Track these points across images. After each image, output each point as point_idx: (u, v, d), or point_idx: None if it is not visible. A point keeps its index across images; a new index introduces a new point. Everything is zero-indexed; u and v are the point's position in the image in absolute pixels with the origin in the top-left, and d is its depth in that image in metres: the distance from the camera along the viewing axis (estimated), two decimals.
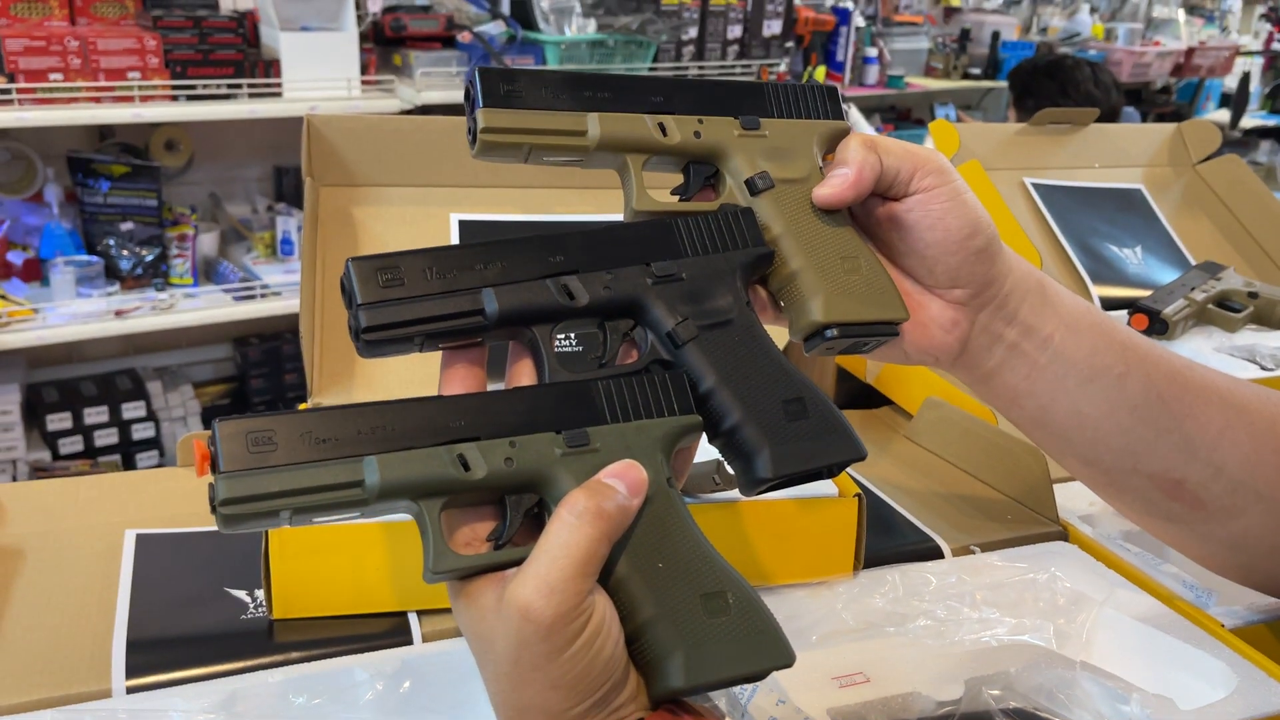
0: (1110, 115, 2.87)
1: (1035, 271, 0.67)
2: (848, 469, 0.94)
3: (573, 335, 0.57)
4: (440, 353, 0.56)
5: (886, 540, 0.87)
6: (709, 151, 0.62)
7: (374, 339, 0.52)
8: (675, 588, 0.49)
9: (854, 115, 3.33)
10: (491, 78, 0.57)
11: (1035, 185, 1.39)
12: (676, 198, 0.63)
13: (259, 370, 3.02)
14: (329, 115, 1.03)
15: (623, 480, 0.50)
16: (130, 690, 0.68)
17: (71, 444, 2.69)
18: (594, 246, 0.57)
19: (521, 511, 0.51)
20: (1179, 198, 1.48)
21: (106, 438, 2.73)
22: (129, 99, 2.44)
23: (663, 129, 0.61)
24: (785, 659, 0.49)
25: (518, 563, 0.49)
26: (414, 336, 0.53)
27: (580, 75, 0.60)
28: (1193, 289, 1.23)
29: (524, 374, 0.56)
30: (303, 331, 0.93)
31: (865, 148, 0.61)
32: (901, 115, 4.40)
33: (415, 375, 0.96)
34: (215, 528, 0.47)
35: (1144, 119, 4.64)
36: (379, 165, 1.04)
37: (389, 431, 0.49)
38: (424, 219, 1.05)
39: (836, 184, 0.61)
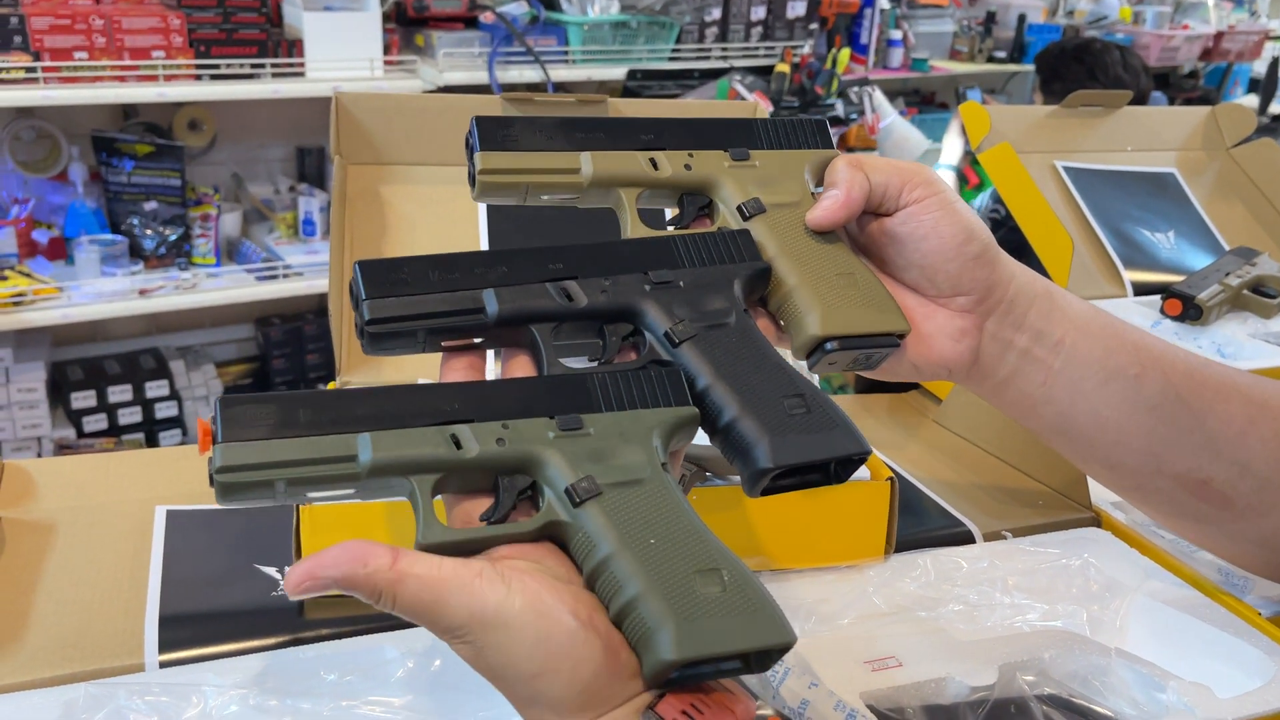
0: (1139, 100, 2.83)
1: (1041, 278, 0.67)
2: (880, 455, 0.94)
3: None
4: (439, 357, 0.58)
5: (916, 524, 0.86)
6: (700, 183, 0.64)
7: (377, 331, 0.54)
8: (667, 564, 0.49)
9: (878, 98, 3.30)
10: (488, 124, 0.61)
11: (1066, 169, 1.37)
12: (672, 229, 0.64)
13: (281, 350, 3.03)
14: (357, 93, 1.02)
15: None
16: (162, 665, 0.68)
17: (96, 422, 2.70)
18: (593, 256, 0.59)
19: (514, 493, 0.51)
20: (1212, 182, 1.46)
21: (130, 416, 2.75)
22: (153, 78, 2.44)
23: (654, 164, 0.63)
24: (783, 637, 0.48)
25: (505, 539, 0.50)
26: (417, 331, 0.54)
27: (573, 119, 0.63)
28: (1227, 274, 1.21)
29: (518, 370, 0.57)
30: (331, 311, 0.93)
31: (852, 167, 0.63)
32: (925, 99, 4.36)
33: (438, 358, 0.96)
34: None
35: (1170, 104, 4.59)
36: (407, 144, 1.04)
37: (385, 413, 0.50)
38: (451, 198, 1.04)
39: (828, 205, 0.62)
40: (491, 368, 0.63)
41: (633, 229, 0.62)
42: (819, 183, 0.65)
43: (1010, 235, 2.56)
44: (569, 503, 0.50)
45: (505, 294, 0.56)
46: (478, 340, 0.57)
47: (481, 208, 1.05)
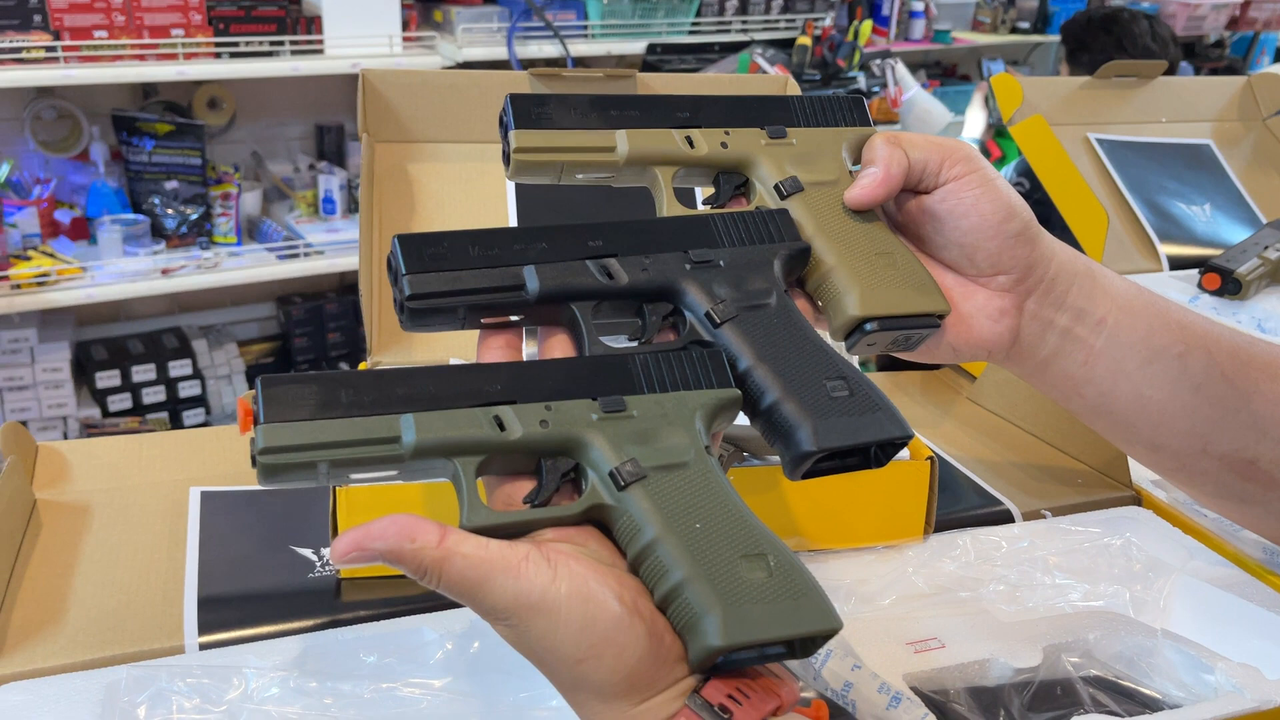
0: (1169, 70, 2.79)
1: (1082, 256, 0.65)
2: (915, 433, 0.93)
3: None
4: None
5: (954, 504, 0.86)
6: (737, 161, 0.63)
7: (418, 307, 0.53)
8: (713, 548, 0.48)
9: (900, 71, 3.26)
10: (523, 102, 0.60)
11: (1100, 141, 1.35)
12: (708, 208, 0.63)
13: (303, 329, 3.03)
14: (384, 70, 1.01)
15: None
16: (202, 647, 0.68)
17: (120, 401, 2.72)
18: (633, 234, 0.58)
19: (558, 475, 0.51)
20: (1249, 153, 1.43)
21: (154, 395, 2.76)
22: (173, 56, 2.43)
23: (690, 142, 0.62)
24: (829, 623, 0.48)
25: (550, 522, 0.50)
26: (457, 308, 0.54)
27: (608, 96, 0.62)
28: (1266, 247, 1.19)
29: (555, 351, 0.56)
30: (362, 290, 0.92)
31: (890, 145, 0.62)
32: (948, 71, 4.31)
33: (471, 336, 0.96)
34: None
35: (1196, 74, 4.52)
36: (434, 121, 1.03)
37: (427, 393, 0.50)
38: (479, 175, 1.03)
39: (867, 183, 0.61)
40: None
41: (668, 208, 0.61)
42: (856, 160, 0.64)
43: (1037, 207, 2.55)
44: (613, 486, 0.50)
45: (546, 271, 0.55)
46: (516, 318, 0.57)
47: (510, 185, 1.04)
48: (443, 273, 0.53)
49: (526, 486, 0.52)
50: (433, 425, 0.49)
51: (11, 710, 0.62)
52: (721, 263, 0.58)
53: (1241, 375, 0.64)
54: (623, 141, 0.61)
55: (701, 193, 0.65)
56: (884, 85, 3.22)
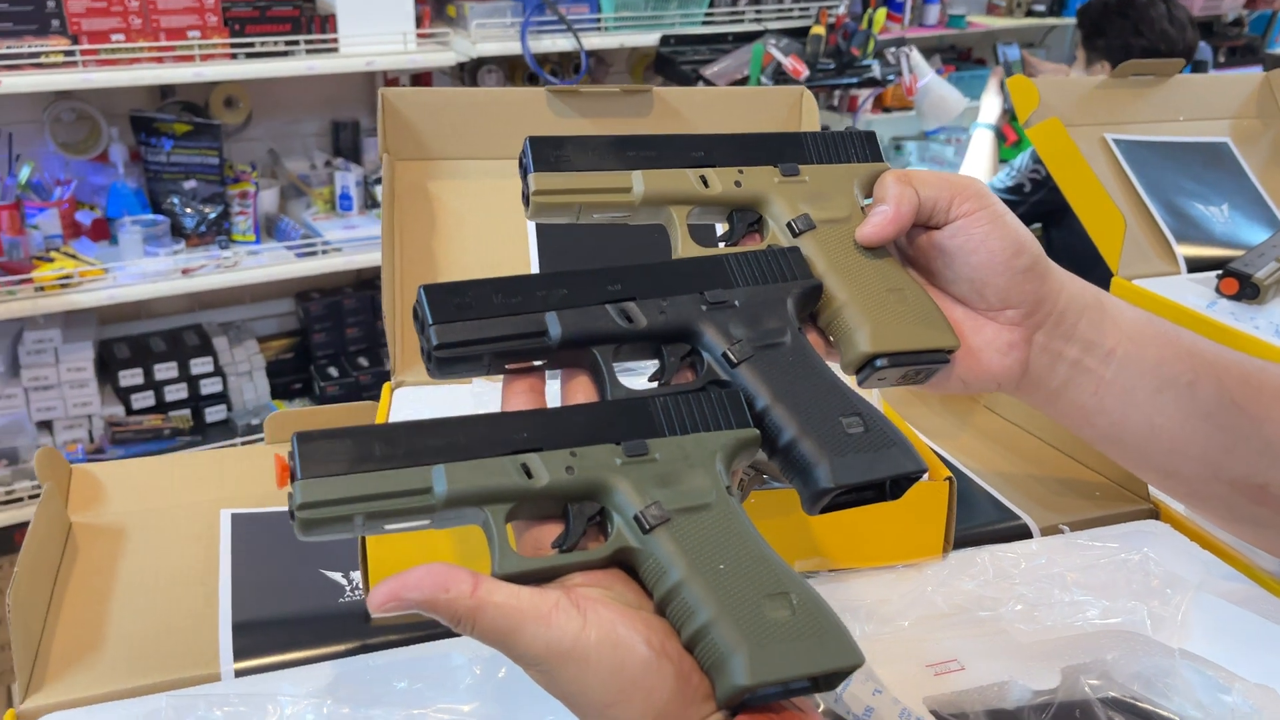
0: (1186, 54, 2.77)
1: (1091, 287, 0.66)
2: (931, 445, 0.94)
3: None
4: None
5: (972, 518, 0.86)
6: (750, 200, 0.64)
7: (445, 356, 0.55)
8: (737, 589, 0.50)
9: (915, 58, 3.24)
10: (541, 145, 0.61)
11: (1117, 141, 1.35)
12: (722, 245, 0.65)
13: (321, 325, 3.05)
14: (403, 90, 1.02)
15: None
16: (237, 674, 0.70)
17: (144, 399, 2.75)
18: (650, 277, 0.59)
19: (584, 519, 0.52)
20: (1268, 151, 1.43)
21: (176, 393, 2.79)
22: (189, 58, 2.44)
23: (704, 181, 0.63)
24: (852, 659, 0.49)
25: (578, 566, 0.51)
26: (482, 356, 0.55)
27: (624, 138, 0.63)
28: None
29: (578, 393, 0.58)
30: (385, 311, 0.93)
31: (901, 183, 0.63)
32: (962, 55, 4.28)
33: None
34: None
35: (1214, 54, 4.47)
36: (454, 139, 1.04)
37: (457, 444, 0.51)
38: (497, 192, 1.04)
39: (878, 221, 0.62)
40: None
41: (683, 246, 0.62)
42: (868, 195, 0.66)
43: (1051, 196, 2.54)
44: (639, 529, 0.51)
45: (567, 316, 0.57)
46: (539, 362, 0.58)
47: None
48: (468, 322, 0.55)
49: (554, 530, 0.53)
50: (463, 475, 0.51)
51: None
52: (736, 303, 0.59)
53: (1253, 401, 0.65)
54: (639, 182, 0.62)
55: (721, 228, 0.66)
56: (898, 73, 3.21)
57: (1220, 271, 1.17)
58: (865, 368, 0.61)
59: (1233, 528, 0.72)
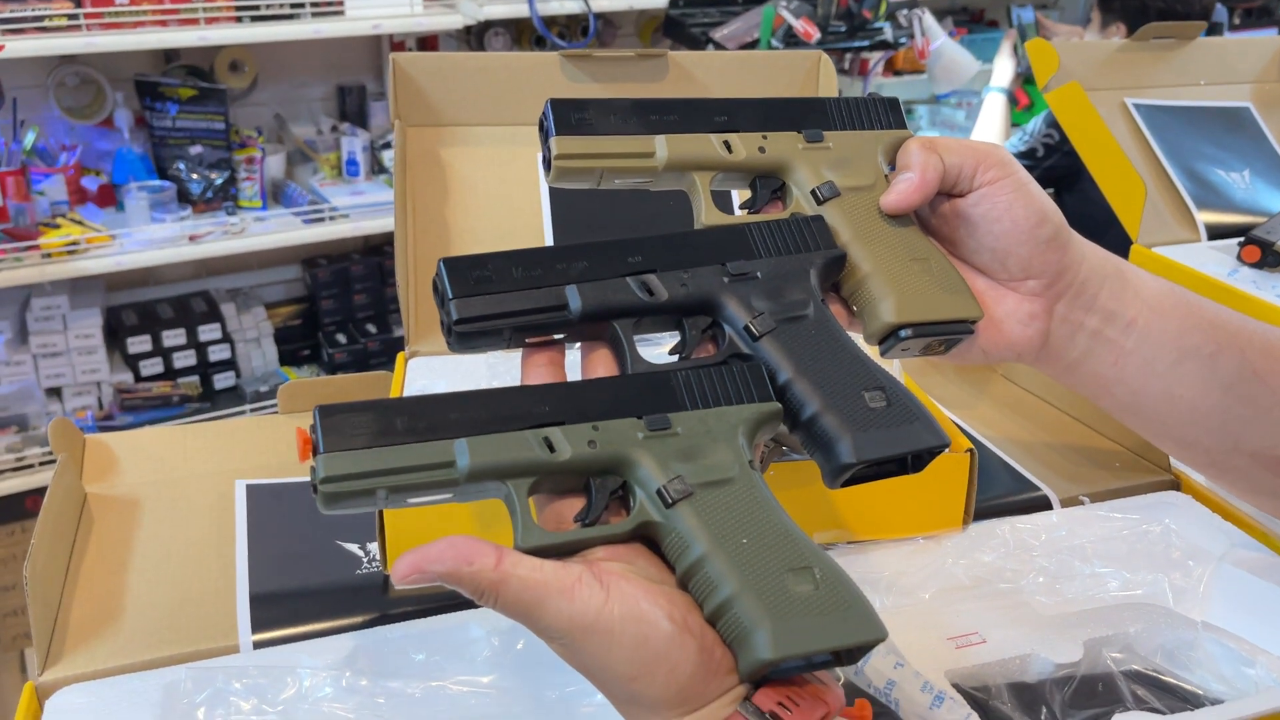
0: (1203, 15, 2.72)
1: (1113, 257, 0.65)
2: (950, 415, 0.93)
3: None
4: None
5: (993, 490, 0.86)
6: (774, 166, 0.63)
7: (466, 330, 0.54)
8: (760, 563, 0.49)
9: (927, 21, 3.20)
10: (563, 107, 0.60)
11: (1137, 106, 1.33)
12: (745, 213, 0.64)
13: (329, 291, 3.04)
14: (414, 55, 1.01)
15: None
16: (255, 645, 0.70)
17: (152, 366, 2.74)
18: (671, 248, 0.58)
19: (607, 493, 0.52)
20: None
21: (185, 359, 2.79)
22: (194, 21, 2.42)
23: (728, 146, 0.62)
24: (875, 633, 0.49)
25: (601, 540, 0.51)
26: (502, 330, 0.55)
27: (646, 101, 0.62)
28: None
29: (599, 366, 0.57)
30: (399, 280, 0.93)
31: (926, 150, 0.62)
32: (975, 17, 4.23)
33: None
34: None
35: (1230, 14, 4.41)
36: (465, 104, 1.02)
37: (479, 417, 0.51)
38: (510, 160, 1.03)
39: (902, 189, 0.61)
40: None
41: (706, 212, 0.61)
42: (892, 163, 0.65)
43: (1064, 161, 2.51)
44: (661, 504, 0.51)
45: (587, 290, 0.56)
46: (559, 335, 0.57)
47: (541, 171, 1.03)
48: (488, 296, 0.54)
49: (576, 504, 0.53)
50: (485, 449, 0.50)
51: (74, 712, 0.64)
52: (759, 274, 0.58)
53: (1274, 373, 0.64)
54: (661, 147, 0.61)
55: (738, 195, 0.65)
56: (910, 35, 3.16)
57: (1242, 239, 1.16)
58: (889, 338, 0.60)
59: (1253, 499, 0.71)
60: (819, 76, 1.06)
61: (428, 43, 2.93)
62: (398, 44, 2.91)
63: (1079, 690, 0.66)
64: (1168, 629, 0.70)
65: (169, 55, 2.74)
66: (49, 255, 2.39)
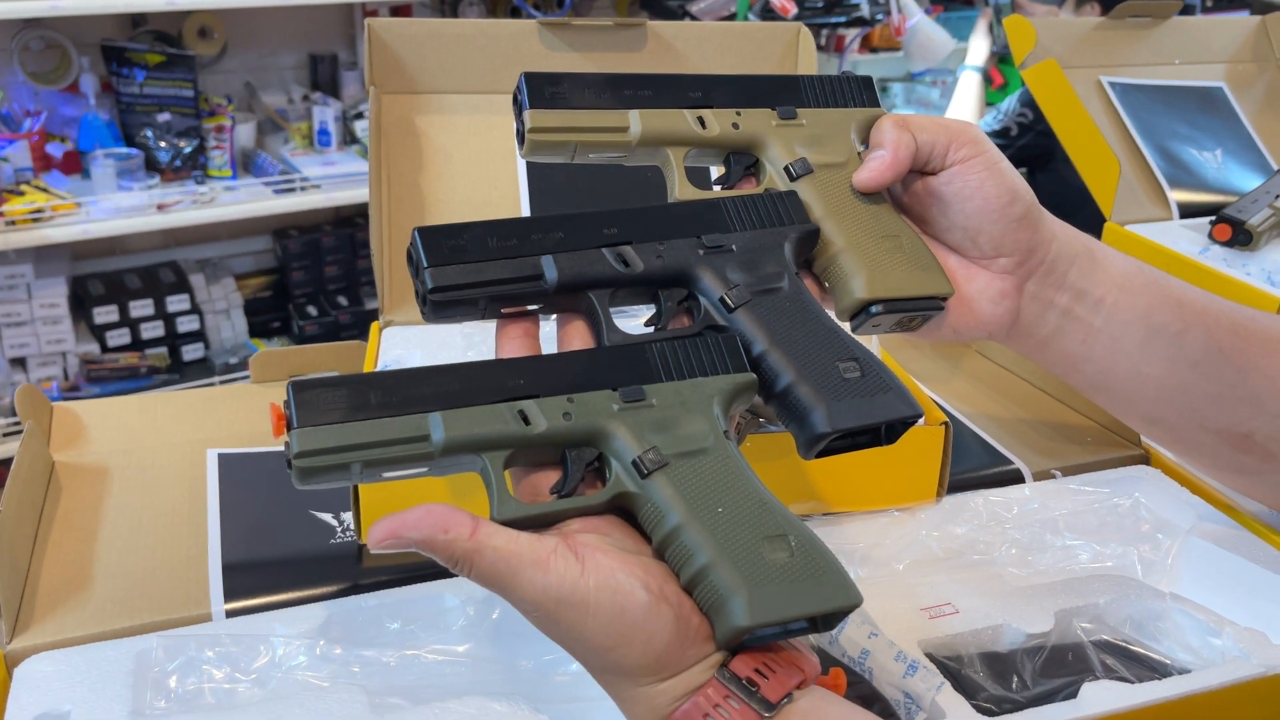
0: None
1: (1082, 235, 0.66)
2: (925, 389, 0.93)
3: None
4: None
5: (965, 462, 0.86)
6: (748, 142, 0.64)
7: (441, 299, 0.54)
8: (736, 531, 0.50)
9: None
10: (537, 81, 0.60)
11: (1112, 84, 1.33)
12: (719, 188, 0.64)
13: (300, 262, 3.01)
14: (390, 20, 0.99)
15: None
16: (228, 614, 0.69)
17: (119, 336, 2.71)
18: (647, 221, 0.59)
19: (582, 465, 0.52)
20: (1262, 97, 1.42)
21: (153, 330, 2.76)
22: None
23: (702, 122, 0.63)
24: (850, 599, 0.50)
25: (577, 512, 0.51)
26: (478, 299, 0.55)
27: (621, 76, 0.62)
28: (1277, 197, 1.18)
29: (574, 339, 0.57)
30: (374, 249, 0.91)
31: (899, 128, 0.62)
32: None
33: None
34: None
35: None
36: (441, 72, 1.01)
37: (453, 390, 0.51)
38: (487, 129, 1.02)
39: (875, 166, 0.62)
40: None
41: (680, 188, 0.62)
42: (865, 141, 0.65)
43: (1037, 140, 2.52)
44: (636, 475, 0.51)
45: (564, 260, 0.56)
46: (534, 306, 0.57)
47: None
48: (464, 265, 0.54)
49: (552, 476, 0.53)
50: (460, 422, 0.50)
51: (44, 680, 0.63)
52: (734, 247, 0.58)
53: (1239, 351, 0.66)
54: (635, 122, 0.61)
55: (716, 171, 0.65)
56: (887, 12, 3.16)
57: (1213, 218, 1.17)
58: (860, 314, 0.61)
59: (1219, 475, 0.73)
60: (798, 49, 1.05)
61: (401, 10, 2.90)
62: (370, 11, 2.87)
63: (1049, 659, 0.67)
64: (1136, 600, 0.71)
65: (136, 20, 2.69)
66: (13, 223, 2.35)
